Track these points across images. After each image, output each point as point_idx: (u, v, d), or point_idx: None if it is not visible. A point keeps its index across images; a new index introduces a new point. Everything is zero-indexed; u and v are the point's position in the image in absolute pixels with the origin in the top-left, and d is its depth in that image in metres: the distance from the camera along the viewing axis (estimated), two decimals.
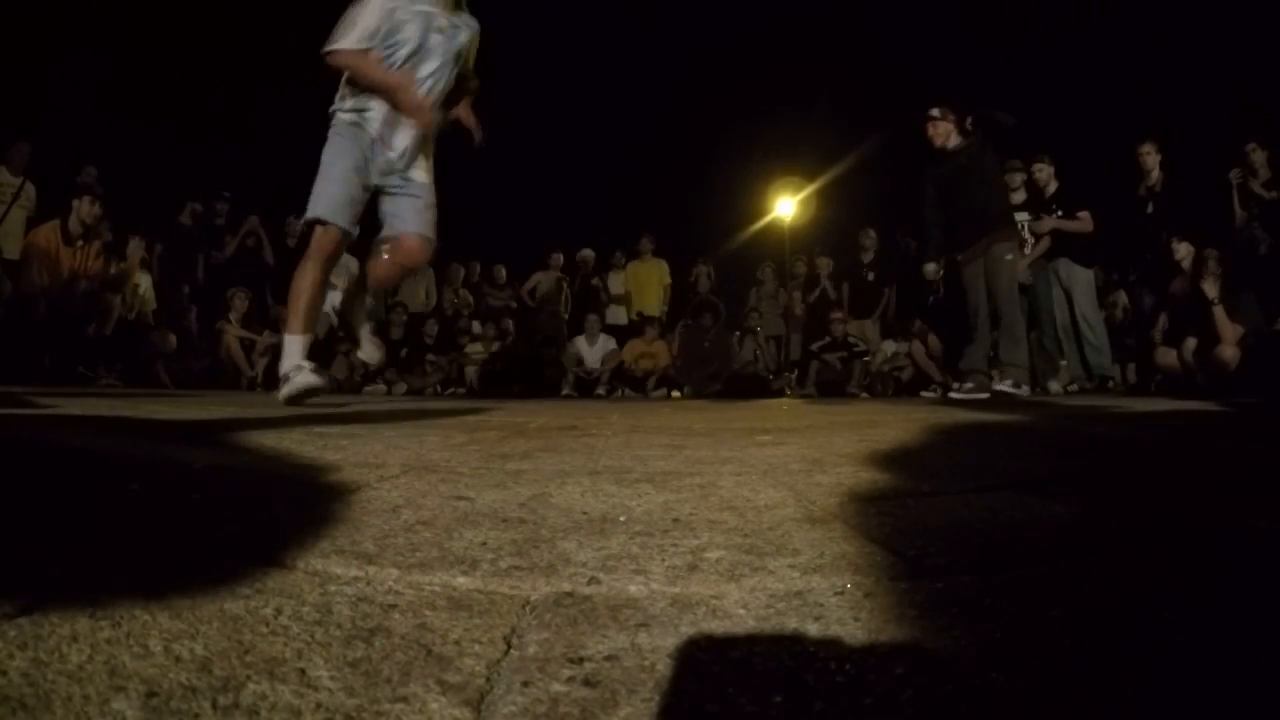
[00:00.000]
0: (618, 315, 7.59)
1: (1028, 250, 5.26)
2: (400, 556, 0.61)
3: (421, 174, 2.69)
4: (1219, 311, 4.62)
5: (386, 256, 2.68)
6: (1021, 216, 5.29)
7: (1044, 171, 5.48)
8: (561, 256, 7.77)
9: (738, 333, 7.39)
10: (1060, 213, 5.36)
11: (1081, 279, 5.31)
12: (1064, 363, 5.40)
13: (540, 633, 0.45)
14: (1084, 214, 5.28)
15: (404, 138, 2.60)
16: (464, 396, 5.93)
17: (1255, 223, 5.20)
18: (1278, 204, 5.09)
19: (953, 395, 4.35)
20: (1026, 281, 5.16)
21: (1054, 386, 5.19)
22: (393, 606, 0.49)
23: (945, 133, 4.56)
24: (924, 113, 4.60)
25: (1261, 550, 0.63)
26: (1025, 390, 4.20)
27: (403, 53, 2.54)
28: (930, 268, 4.81)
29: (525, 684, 0.38)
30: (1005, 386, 4.20)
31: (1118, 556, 0.62)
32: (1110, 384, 5.33)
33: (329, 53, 2.51)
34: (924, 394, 5.65)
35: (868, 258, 7.10)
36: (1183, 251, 4.96)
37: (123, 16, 10.17)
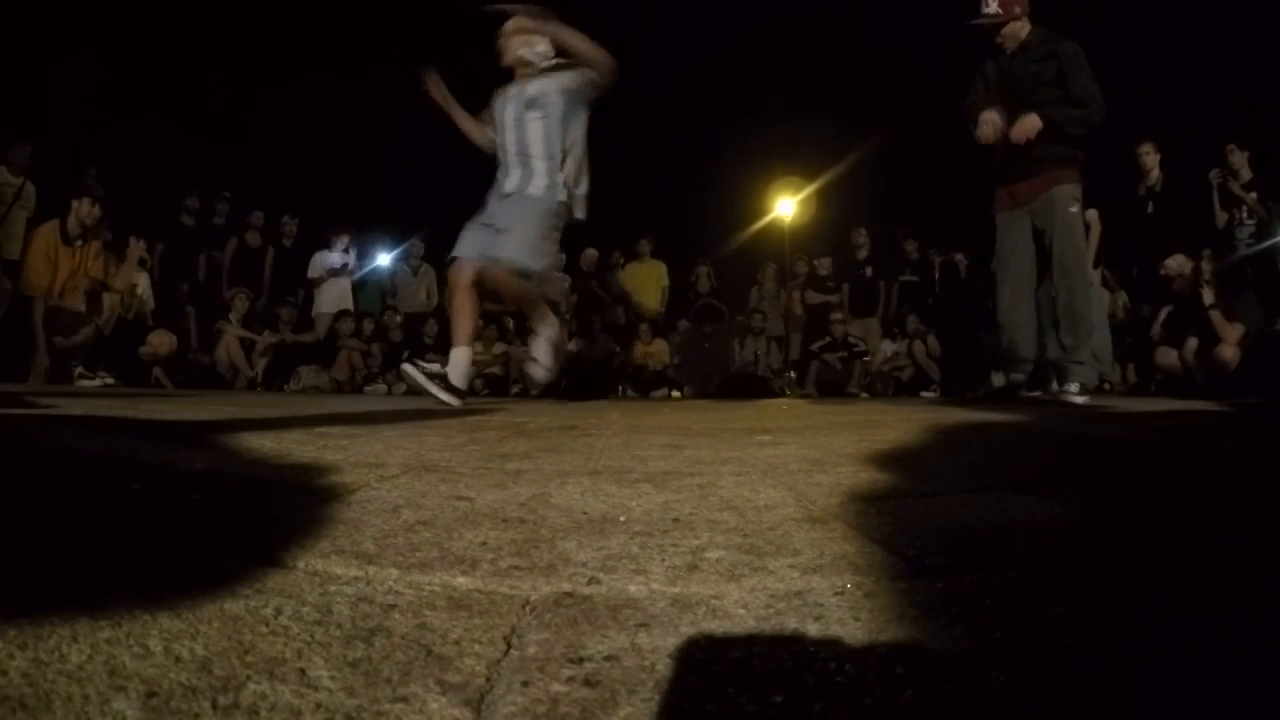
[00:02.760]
0: (618, 315, 7.58)
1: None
2: (400, 556, 0.61)
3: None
4: (1216, 315, 4.63)
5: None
6: None
7: None
8: (564, 256, 7.76)
9: (738, 338, 7.40)
10: None
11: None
12: None
13: (540, 633, 0.45)
14: (1092, 212, 5.22)
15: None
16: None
17: (1236, 224, 5.20)
18: (1258, 205, 5.09)
19: (1070, 399, 3.25)
20: None
21: (1054, 386, 5.18)
22: (393, 606, 0.49)
23: (1014, 31, 3.28)
24: (977, 11, 3.30)
25: (1261, 550, 0.63)
26: (1087, 398, 3.23)
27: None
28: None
29: (525, 684, 0.38)
30: (1071, 394, 3.23)
31: (1118, 556, 0.62)
32: (1107, 386, 5.32)
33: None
34: (924, 394, 5.64)
35: (862, 254, 7.14)
36: (1175, 267, 4.96)
37: (123, 16, 10.17)
